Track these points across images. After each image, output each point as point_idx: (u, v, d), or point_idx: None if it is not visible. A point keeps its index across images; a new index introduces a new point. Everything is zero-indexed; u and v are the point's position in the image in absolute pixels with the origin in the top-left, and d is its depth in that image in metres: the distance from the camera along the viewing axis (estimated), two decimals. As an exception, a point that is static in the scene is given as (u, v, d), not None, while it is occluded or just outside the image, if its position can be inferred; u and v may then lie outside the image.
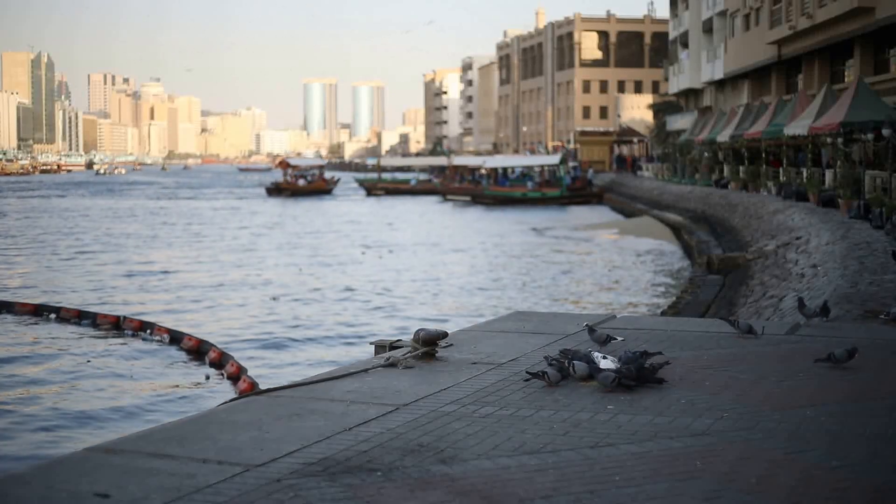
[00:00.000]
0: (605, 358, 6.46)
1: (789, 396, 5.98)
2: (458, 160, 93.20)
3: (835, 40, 40.38)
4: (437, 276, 29.70)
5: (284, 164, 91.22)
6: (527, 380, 6.36)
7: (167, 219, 57.99)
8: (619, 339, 7.59)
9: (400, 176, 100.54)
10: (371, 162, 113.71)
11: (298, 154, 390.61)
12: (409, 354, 7.04)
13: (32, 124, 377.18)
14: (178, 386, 15.60)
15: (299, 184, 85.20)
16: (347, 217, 58.71)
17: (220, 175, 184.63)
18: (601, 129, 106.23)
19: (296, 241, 41.97)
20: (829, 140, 31.73)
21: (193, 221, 55.61)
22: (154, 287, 27.85)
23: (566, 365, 6.37)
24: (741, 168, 44.40)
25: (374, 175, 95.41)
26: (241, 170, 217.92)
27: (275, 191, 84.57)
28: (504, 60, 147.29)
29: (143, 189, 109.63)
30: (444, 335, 7.30)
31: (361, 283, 28.12)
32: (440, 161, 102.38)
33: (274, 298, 25.26)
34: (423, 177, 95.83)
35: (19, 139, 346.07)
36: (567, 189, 67.83)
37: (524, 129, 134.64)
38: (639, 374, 6.28)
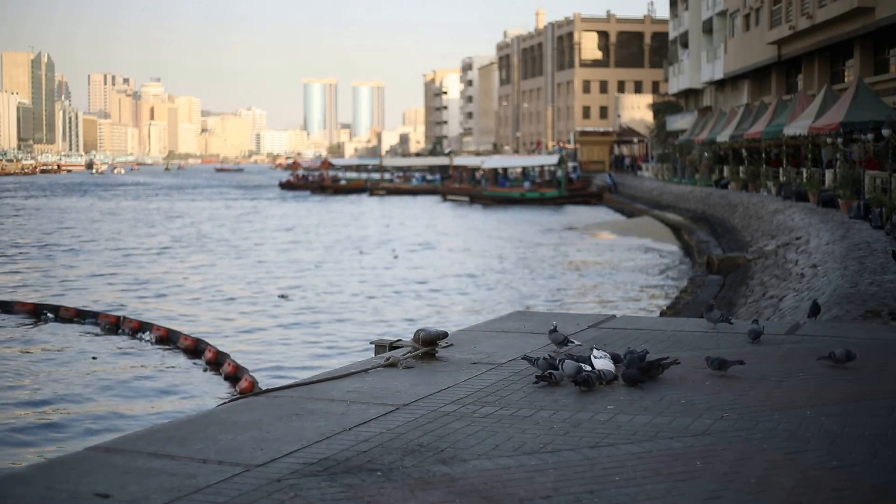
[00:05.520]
0: (598, 357, 6.45)
1: (789, 396, 5.99)
2: (457, 160, 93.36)
3: (835, 40, 40.38)
4: (437, 276, 29.70)
5: (327, 164, 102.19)
6: (535, 382, 6.33)
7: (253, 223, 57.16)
8: (577, 343, 7.47)
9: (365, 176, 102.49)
10: (353, 163, 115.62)
11: (298, 154, 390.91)
12: (409, 354, 7.04)
13: (32, 124, 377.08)
14: (176, 385, 15.60)
15: (341, 183, 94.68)
16: (358, 215, 58.76)
17: (215, 175, 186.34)
18: (601, 129, 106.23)
19: (328, 240, 42.01)
20: (829, 140, 31.74)
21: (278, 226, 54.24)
22: (180, 289, 27.85)
23: (556, 364, 6.38)
24: (741, 168, 44.40)
25: (357, 175, 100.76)
26: (217, 170, 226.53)
27: (318, 189, 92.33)
28: (504, 60, 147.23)
29: (173, 191, 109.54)
30: (444, 335, 7.29)
31: (363, 283, 28.13)
32: (441, 161, 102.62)
33: (283, 296, 25.31)
34: (388, 176, 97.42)
35: (19, 139, 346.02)
36: (566, 189, 67.84)
37: (518, 133, 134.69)
38: (648, 368, 6.36)
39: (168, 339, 18.55)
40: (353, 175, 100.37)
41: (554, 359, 6.53)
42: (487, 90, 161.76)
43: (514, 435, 5.10)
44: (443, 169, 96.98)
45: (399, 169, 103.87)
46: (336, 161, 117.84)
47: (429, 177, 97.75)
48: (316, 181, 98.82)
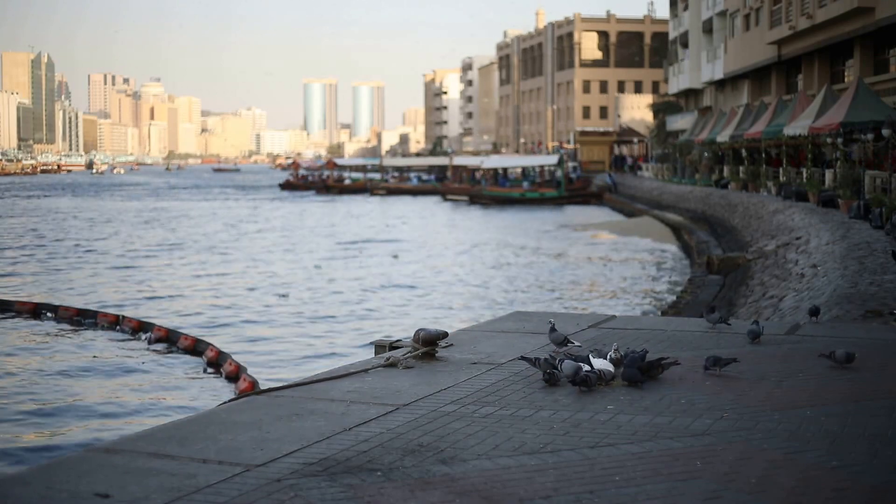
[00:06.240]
0: (597, 357, 6.46)
1: (789, 396, 5.99)
2: (457, 160, 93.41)
3: (835, 40, 40.39)
4: (437, 276, 29.70)
5: (332, 164, 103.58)
6: (546, 381, 6.31)
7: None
8: (577, 343, 7.44)
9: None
10: (357, 162, 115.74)
11: (298, 154, 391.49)
12: (409, 354, 7.04)
13: (32, 124, 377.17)
14: (177, 385, 15.59)
15: (345, 182, 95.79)
16: (359, 215, 58.80)
17: (213, 175, 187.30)
18: (601, 129, 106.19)
19: (331, 241, 42.03)
20: (829, 140, 31.75)
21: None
22: (178, 286, 27.85)
23: (556, 364, 6.38)
24: (741, 168, 44.41)
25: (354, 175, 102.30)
26: (215, 170, 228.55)
27: (323, 189, 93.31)
28: (504, 60, 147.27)
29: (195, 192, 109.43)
30: (444, 335, 7.29)
31: (363, 283, 28.13)
32: (441, 161, 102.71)
33: (283, 295, 25.34)
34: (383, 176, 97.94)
35: (19, 139, 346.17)
36: (566, 189, 67.84)
37: (519, 134, 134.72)
38: (648, 368, 6.37)
39: (168, 339, 18.54)
40: (357, 175, 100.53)
41: (554, 359, 6.53)
42: (487, 90, 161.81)
43: (514, 435, 5.10)
44: (439, 169, 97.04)
45: (396, 169, 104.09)
46: (341, 161, 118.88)
47: (424, 177, 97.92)
48: (316, 181, 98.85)
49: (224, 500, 4.05)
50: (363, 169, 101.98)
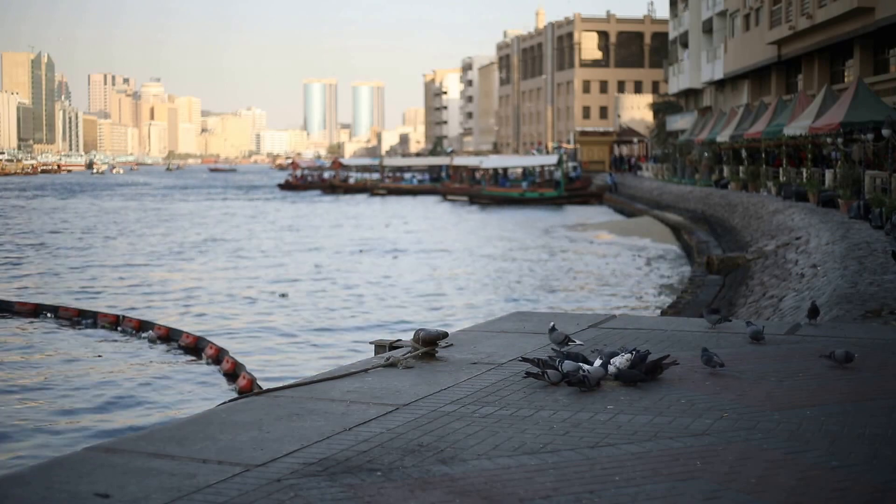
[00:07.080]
0: (598, 357, 6.46)
1: (789, 396, 5.98)
2: (457, 160, 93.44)
3: (835, 40, 40.39)
4: (437, 276, 29.70)
5: (338, 164, 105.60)
6: (525, 376, 6.34)
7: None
8: (579, 342, 7.44)
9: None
10: (364, 162, 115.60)
11: (298, 154, 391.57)
12: (409, 354, 7.04)
13: (32, 124, 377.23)
14: (177, 384, 15.59)
15: (350, 182, 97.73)
16: (358, 215, 58.82)
17: (210, 175, 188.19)
18: (601, 129, 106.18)
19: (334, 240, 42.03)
20: (829, 140, 31.75)
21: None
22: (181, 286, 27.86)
23: (556, 364, 6.38)
24: (741, 168, 44.41)
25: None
26: (211, 170, 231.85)
27: (329, 189, 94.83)
28: (504, 60, 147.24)
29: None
30: (444, 335, 7.29)
31: (364, 283, 28.14)
32: (442, 160, 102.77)
33: (282, 295, 25.36)
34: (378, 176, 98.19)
35: (19, 139, 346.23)
36: (566, 189, 67.83)
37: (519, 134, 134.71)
38: (652, 368, 6.39)
39: (169, 337, 18.55)
40: (362, 175, 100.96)
41: (554, 359, 6.53)
42: (487, 90, 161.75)
43: (514, 435, 5.10)
44: (436, 169, 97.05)
45: (392, 169, 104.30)
46: (346, 161, 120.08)
47: (419, 177, 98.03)
48: (317, 181, 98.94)
49: (224, 500, 4.05)
50: (367, 169, 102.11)
